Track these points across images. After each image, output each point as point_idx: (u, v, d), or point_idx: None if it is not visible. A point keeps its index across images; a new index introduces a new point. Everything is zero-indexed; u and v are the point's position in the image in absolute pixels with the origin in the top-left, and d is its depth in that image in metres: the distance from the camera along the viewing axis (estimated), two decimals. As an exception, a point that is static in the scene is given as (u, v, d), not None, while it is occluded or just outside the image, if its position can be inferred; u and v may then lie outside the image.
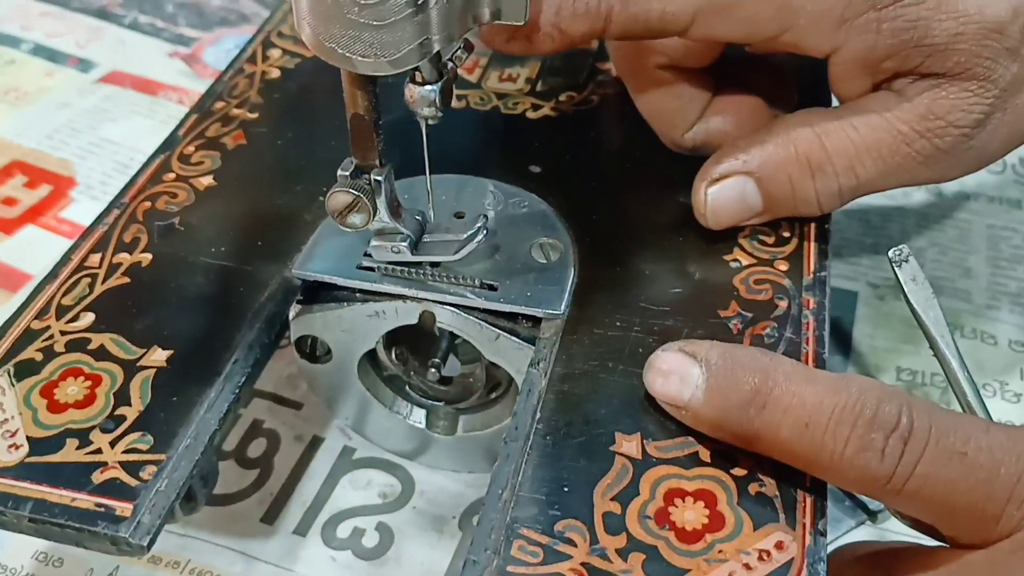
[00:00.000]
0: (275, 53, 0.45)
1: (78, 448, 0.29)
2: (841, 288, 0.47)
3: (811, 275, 0.35)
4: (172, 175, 0.39)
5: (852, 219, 0.51)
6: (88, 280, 0.34)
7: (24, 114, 0.58)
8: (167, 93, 0.60)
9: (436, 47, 0.28)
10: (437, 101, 0.30)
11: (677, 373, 0.29)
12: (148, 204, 0.37)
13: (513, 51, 0.33)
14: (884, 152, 0.33)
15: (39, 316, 0.33)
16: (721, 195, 0.35)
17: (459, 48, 0.31)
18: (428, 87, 0.30)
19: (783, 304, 0.33)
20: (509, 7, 0.28)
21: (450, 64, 0.31)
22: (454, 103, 0.42)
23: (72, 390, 0.31)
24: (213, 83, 0.44)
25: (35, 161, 0.55)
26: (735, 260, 0.35)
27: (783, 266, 0.35)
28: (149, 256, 0.35)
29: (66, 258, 0.35)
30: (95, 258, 0.35)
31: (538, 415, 0.30)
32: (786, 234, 0.36)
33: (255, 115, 0.42)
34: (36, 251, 0.49)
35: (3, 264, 0.49)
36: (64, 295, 0.34)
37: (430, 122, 0.31)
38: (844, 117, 0.34)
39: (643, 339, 0.32)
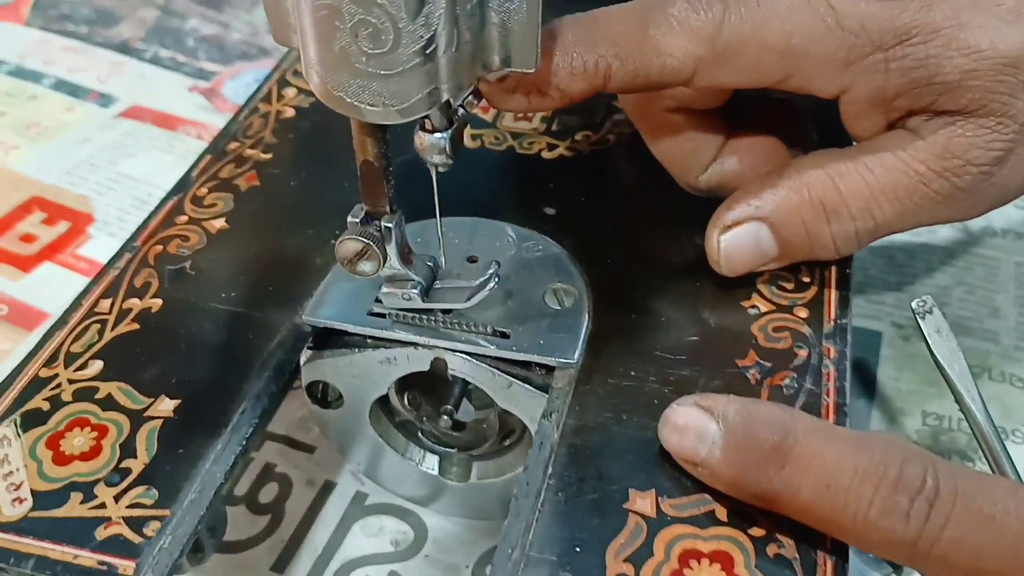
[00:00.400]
0: (290, 92, 0.45)
1: (82, 502, 0.29)
2: (865, 328, 0.46)
3: (832, 322, 0.34)
4: (184, 217, 0.38)
5: (876, 256, 0.50)
6: (98, 326, 0.34)
7: (44, 149, 0.58)
8: (186, 128, 0.60)
9: (445, 96, 0.27)
10: (447, 149, 0.30)
11: (693, 429, 0.28)
12: (160, 248, 0.37)
13: (512, 108, 0.32)
14: (901, 193, 0.33)
15: (48, 364, 0.33)
16: (735, 242, 0.34)
17: (469, 95, 0.31)
18: (438, 135, 0.29)
19: (803, 353, 0.33)
20: (519, 54, 0.28)
21: (461, 111, 0.30)
22: (468, 143, 0.42)
23: (78, 441, 0.30)
24: (228, 122, 0.44)
25: (54, 197, 0.55)
26: (753, 306, 0.34)
27: (803, 313, 0.34)
28: (159, 302, 0.35)
29: (76, 303, 0.35)
30: (105, 303, 0.35)
31: (550, 470, 0.29)
32: (806, 279, 0.35)
33: (268, 156, 0.41)
34: (53, 289, 0.49)
35: (20, 302, 0.49)
36: (73, 342, 0.34)
37: (440, 169, 0.30)
38: (858, 158, 0.33)
39: (658, 390, 0.32)
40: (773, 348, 0.33)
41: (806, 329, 0.33)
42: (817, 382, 0.32)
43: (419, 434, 0.38)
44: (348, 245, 0.31)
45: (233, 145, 0.42)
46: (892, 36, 0.31)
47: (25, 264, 0.51)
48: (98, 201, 0.55)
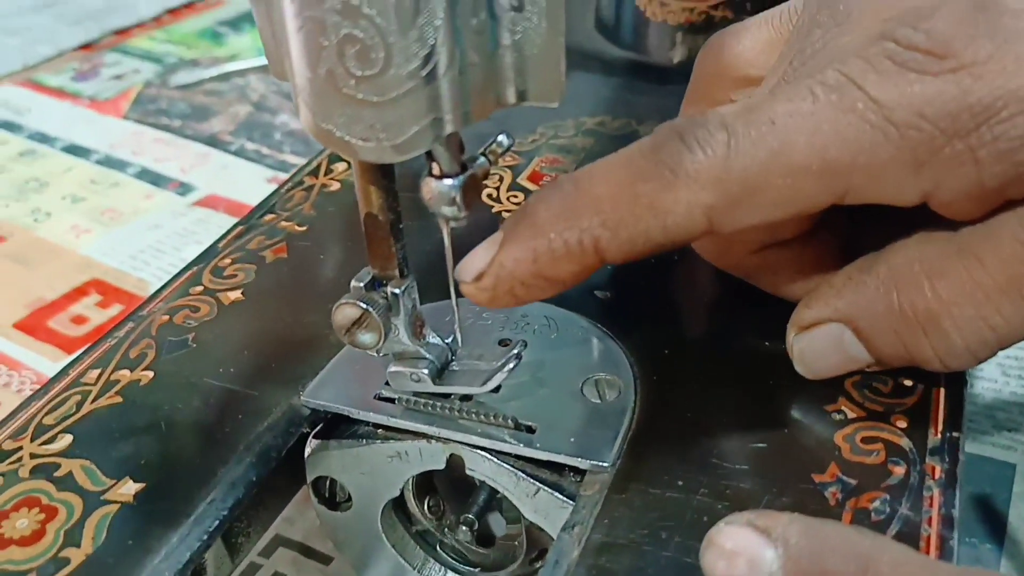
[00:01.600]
0: (340, 166, 0.42)
1: (7, 595, 0.24)
2: (994, 458, 0.39)
3: (939, 435, 0.27)
4: (200, 288, 0.35)
5: (1009, 375, 0.42)
6: (78, 398, 0.30)
7: (115, 234, 0.57)
8: (257, 217, 0.58)
9: (449, 128, 0.23)
10: (458, 199, 0.25)
11: (744, 555, 0.22)
12: (166, 318, 0.33)
13: (501, 306, 0.26)
14: None
15: (15, 435, 0.29)
16: (813, 346, 0.28)
17: (493, 141, 0.27)
18: (447, 181, 0.25)
19: (899, 470, 0.26)
20: (537, 84, 0.23)
21: (480, 159, 0.26)
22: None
23: (21, 523, 0.26)
24: (269, 195, 0.40)
25: (113, 280, 0.53)
26: (838, 411, 0.28)
27: (902, 422, 0.27)
28: (150, 374, 0.31)
29: (63, 373, 0.31)
30: (93, 374, 0.31)
31: (562, 595, 0.23)
32: (907, 382, 0.29)
33: (303, 228, 0.38)
34: (91, 372, 0.47)
35: (55, 384, 0.46)
36: (48, 414, 0.30)
37: (452, 224, 0.26)
38: (961, 247, 0.26)
39: (710, 505, 0.25)
40: (861, 462, 0.26)
41: (905, 442, 0.27)
42: (916, 507, 0.25)
43: (439, 547, 0.33)
44: (344, 311, 0.27)
45: (268, 217, 0.39)
46: (969, 117, 0.23)
47: (70, 346, 0.49)
48: (156, 286, 0.52)
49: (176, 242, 0.56)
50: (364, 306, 0.27)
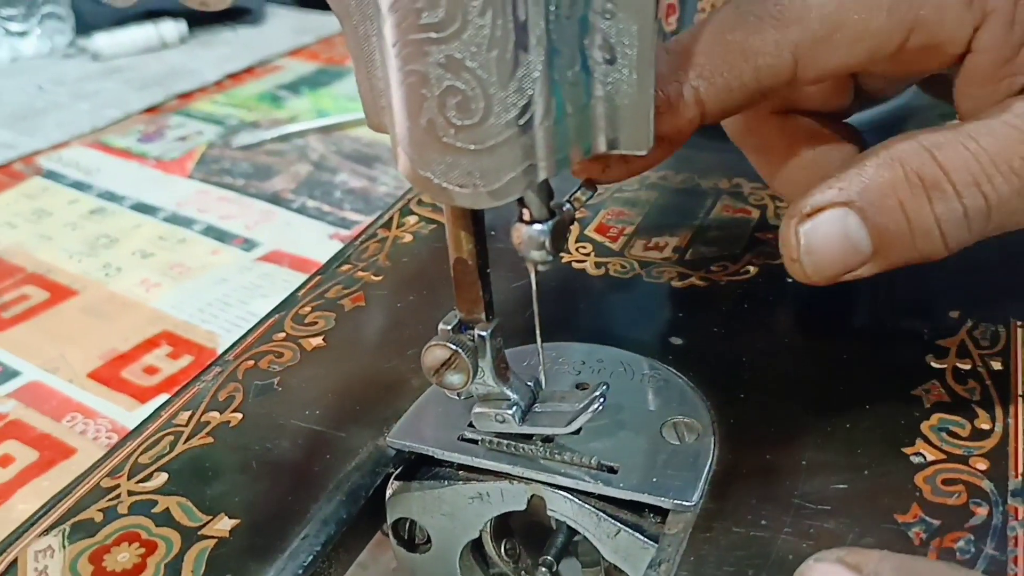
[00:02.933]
0: (411, 220, 0.43)
1: (111, 625, 0.25)
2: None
3: (1020, 476, 0.27)
4: (282, 335, 0.36)
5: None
6: (171, 439, 0.31)
7: (183, 288, 0.59)
8: (321, 271, 0.59)
9: (543, 175, 0.24)
10: (547, 244, 0.26)
11: None
12: (251, 363, 0.35)
13: (612, 177, 0.28)
14: (1017, 164, 0.26)
15: (112, 474, 0.30)
16: (817, 233, 0.27)
17: (578, 189, 0.28)
18: (537, 227, 0.26)
19: (981, 511, 0.26)
20: (628, 133, 0.25)
21: (567, 206, 0.27)
22: (592, 270, 0.38)
23: (123, 557, 0.27)
24: (344, 246, 0.42)
25: (183, 332, 0.55)
26: (917, 454, 0.28)
27: (981, 465, 0.28)
28: (239, 416, 0.32)
29: (155, 415, 0.33)
30: (184, 416, 0.32)
31: (653, 631, 0.24)
32: (985, 426, 0.29)
33: (379, 278, 0.39)
34: (164, 420, 0.48)
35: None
36: (143, 453, 0.31)
37: (540, 268, 0.27)
38: (959, 128, 0.27)
39: (795, 544, 0.26)
40: (943, 503, 0.27)
41: (986, 484, 0.27)
42: (1001, 547, 0.25)
43: (515, 591, 0.33)
44: (434, 352, 0.28)
45: (345, 267, 0.40)
46: None
47: (143, 395, 0.50)
48: (225, 338, 0.54)
49: (243, 295, 0.58)
50: (454, 347, 0.28)
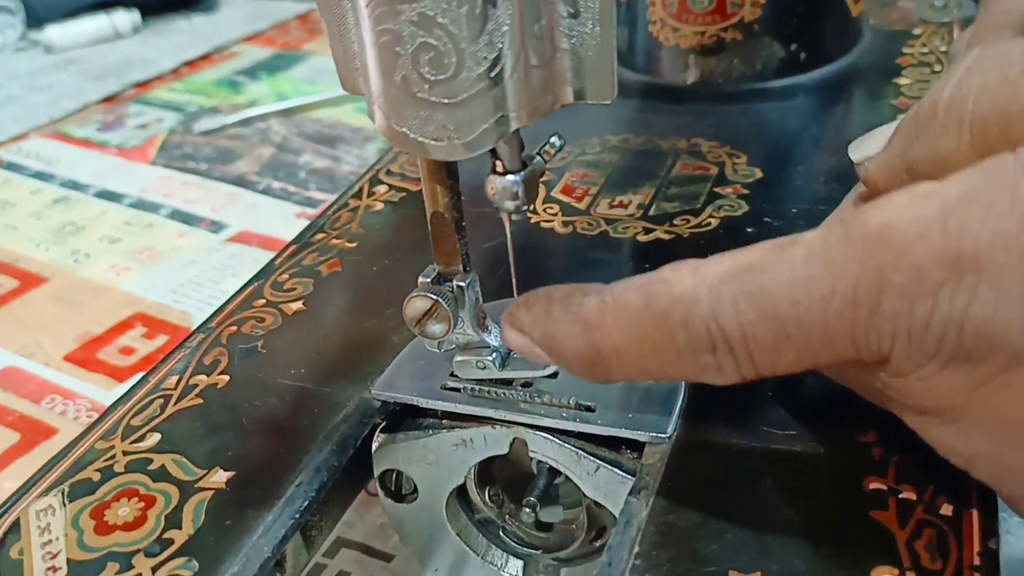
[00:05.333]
0: (381, 188, 0.44)
1: (118, 573, 0.26)
2: None
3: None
4: (263, 301, 0.37)
5: None
6: (161, 401, 0.32)
7: (153, 271, 0.59)
8: (290, 250, 0.60)
9: (514, 124, 0.25)
10: (520, 193, 0.27)
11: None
12: (234, 328, 0.36)
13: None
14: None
15: (105, 436, 0.31)
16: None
17: (547, 142, 0.29)
18: (510, 177, 0.27)
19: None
20: (593, 84, 0.26)
21: (537, 158, 0.28)
22: (560, 228, 0.40)
23: (123, 511, 0.28)
24: (317, 216, 0.43)
25: (156, 313, 0.55)
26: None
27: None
28: (226, 378, 0.33)
29: (144, 380, 0.34)
30: (172, 380, 0.33)
31: (636, 549, 0.25)
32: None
33: (353, 244, 0.40)
34: (144, 397, 0.49)
35: (110, 410, 0.48)
36: (134, 416, 0.32)
37: (514, 217, 0.28)
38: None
39: (765, 465, 0.27)
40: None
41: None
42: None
43: (501, 534, 0.35)
44: (415, 303, 0.29)
45: (319, 236, 0.41)
46: None
47: (120, 375, 0.51)
48: (199, 317, 0.55)
49: (214, 276, 0.58)
50: (434, 297, 0.29)
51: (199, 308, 0.55)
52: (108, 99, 0.85)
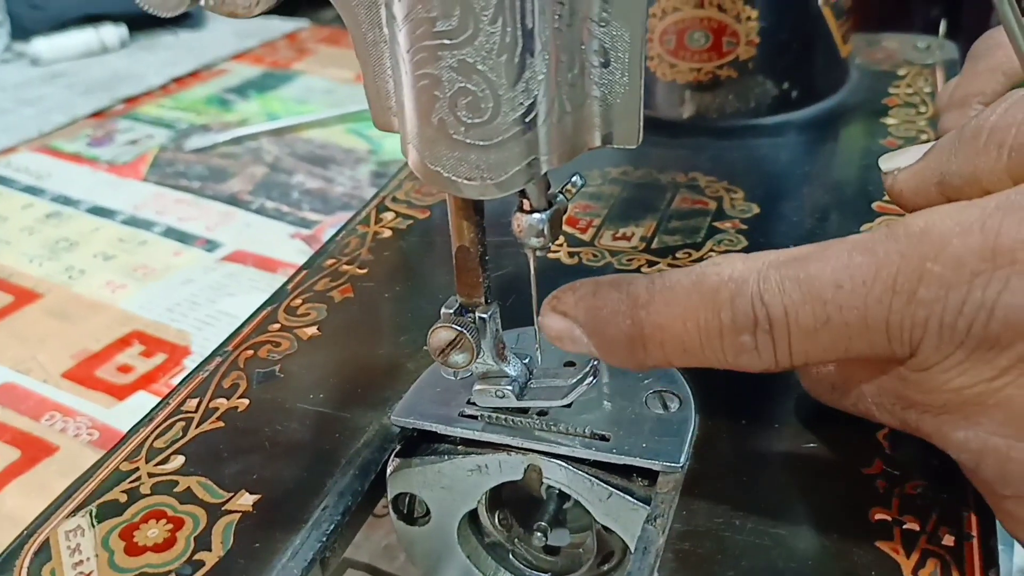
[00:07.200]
0: (388, 216, 0.45)
1: (151, 594, 0.27)
2: None
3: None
4: (277, 326, 0.38)
5: None
6: (183, 424, 0.33)
7: (149, 289, 0.60)
8: (285, 270, 0.61)
9: (544, 168, 0.27)
10: (546, 231, 0.29)
11: (568, 339, 0.29)
12: (250, 352, 0.36)
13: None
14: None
15: (129, 458, 0.32)
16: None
17: (569, 181, 0.30)
18: (536, 215, 0.29)
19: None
20: (621, 131, 0.27)
21: (560, 196, 0.30)
22: (566, 260, 0.41)
23: (152, 533, 0.29)
24: (326, 242, 0.44)
25: (154, 332, 0.56)
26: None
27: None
28: (246, 402, 0.34)
29: (164, 403, 0.34)
30: (192, 403, 0.34)
31: (656, 575, 0.26)
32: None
33: (364, 271, 0.41)
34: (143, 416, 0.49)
35: (111, 428, 0.48)
36: (157, 438, 0.33)
37: (538, 254, 0.29)
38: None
39: (775, 496, 0.29)
40: (905, 454, 0.30)
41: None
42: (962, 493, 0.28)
43: (510, 557, 0.36)
44: (440, 334, 0.30)
45: (329, 261, 0.42)
46: None
47: (120, 392, 0.51)
48: (196, 336, 0.55)
49: (210, 295, 0.59)
50: (459, 329, 0.30)
51: (197, 327, 0.56)
52: (97, 114, 0.85)
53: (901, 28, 0.65)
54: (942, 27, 0.66)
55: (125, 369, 0.53)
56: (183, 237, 0.66)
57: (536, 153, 0.26)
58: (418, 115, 0.26)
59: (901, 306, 0.24)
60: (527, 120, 0.25)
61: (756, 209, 0.44)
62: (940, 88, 0.53)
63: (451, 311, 0.31)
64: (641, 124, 0.27)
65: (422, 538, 0.35)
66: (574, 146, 0.27)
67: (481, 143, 0.26)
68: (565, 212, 0.30)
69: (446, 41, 0.25)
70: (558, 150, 0.27)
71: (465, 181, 0.27)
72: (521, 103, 0.25)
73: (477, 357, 0.30)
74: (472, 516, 0.35)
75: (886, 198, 0.42)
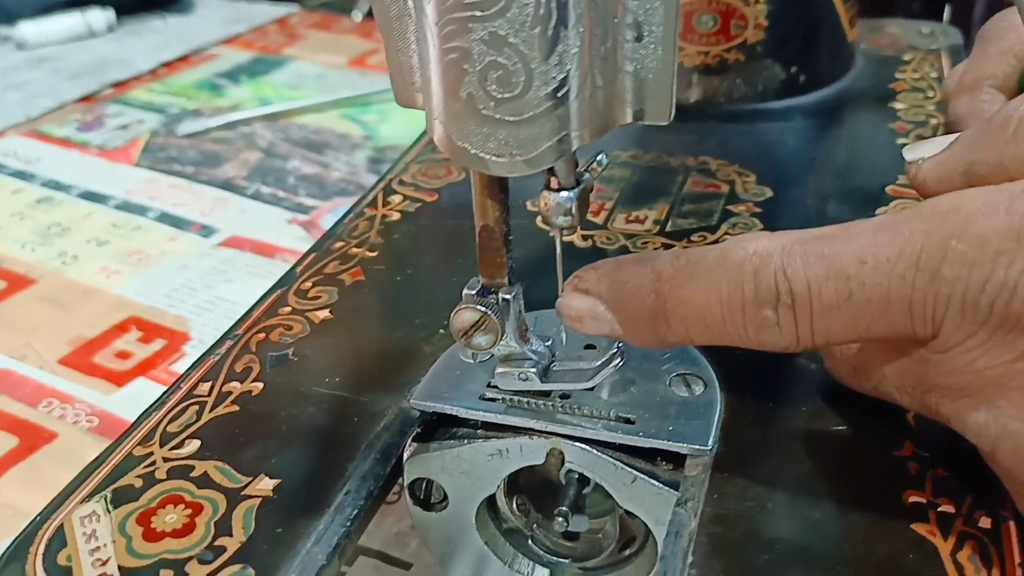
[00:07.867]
0: (396, 198, 0.45)
1: (172, 581, 0.26)
2: None
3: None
4: (288, 308, 0.37)
5: None
6: (196, 408, 0.32)
7: (145, 275, 0.59)
8: (284, 256, 0.60)
9: (575, 144, 0.26)
10: (574, 209, 0.28)
11: (588, 315, 0.29)
12: (262, 336, 0.36)
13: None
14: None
15: (143, 443, 0.31)
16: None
17: (595, 159, 0.30)
18: (564, 194, 0.28)
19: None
20: (652, 107, 0.27)
21: (586, 175, 0.29)
22: (579, 242, 0.40)
23: (171, 518, 0.28)
24: (333, 225, 0.43)
25: (151, 317, 0.55)
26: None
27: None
28: (260, 385, 0.33)
29: (175, 387, 0.33)
30: (205, 387, 0.33)
31: (690, 558, 0.26)
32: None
33: (374, 254, 0.40)
34: (144, 403, 0.47)
35: (111, 415, 0.48)
36: (170, 422, 0.32)
37: (566, 233, 0.29)
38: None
39: (804, 476, 0.28)
40: (932, 431, 0.29)
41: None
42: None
43: (529, 543, 0.35)
44: (464, 315, 0.30)
45: (339, 244, 0.41)
46: None
47: (119, 379, 0.50)
48: (195, 322, 0.54)
49: (208, 281, 0.58)
50: (483, 310, 0.29)
51: (195, 313, 0.55)
52: (85, 98, 0.83)
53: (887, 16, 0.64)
54: (947, 13, 0.66)
55: (124, 355, 0.52)
56: (178, 223, 0.65)
57: (567, 129, 0.26)
58: (445, 90, 0.26)
59: (924, 283, 0.24)
60: (559, 95, 0.25)
61: (769, 192, 0.43)
62: (947, 73, 0.53)
63: (473, 292, 0.30)
64: (673, 100, 0.27)
65: (438, 524, 0.35)
66: (605, 122, 0.27)
67: (511, 118, 0.25)
68: (591, 191, 0.29)
69: (477, 13, 0.24)
70: (589, 126, 0.26)
71: (494, 158, 0.26)
72: (554, 77, 0.25)
73: (501, 339, 0.30)
74: (490, 502, 0.34)
75: (900, 182, 0.42)
